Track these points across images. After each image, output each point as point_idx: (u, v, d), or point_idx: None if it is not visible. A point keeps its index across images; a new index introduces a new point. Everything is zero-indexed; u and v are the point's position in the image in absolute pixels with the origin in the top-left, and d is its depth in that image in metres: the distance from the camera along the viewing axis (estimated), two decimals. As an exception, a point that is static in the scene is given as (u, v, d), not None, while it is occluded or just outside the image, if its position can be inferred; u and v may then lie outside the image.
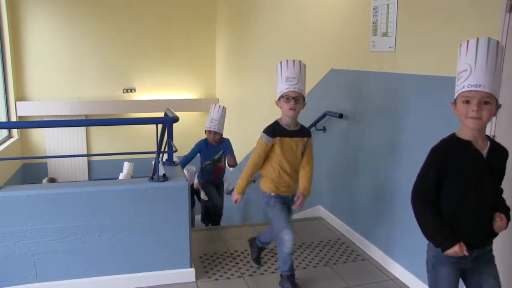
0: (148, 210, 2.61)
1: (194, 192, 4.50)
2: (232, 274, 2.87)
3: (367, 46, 3.08)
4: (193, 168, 4.48)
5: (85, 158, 7.46)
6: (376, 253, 3.08)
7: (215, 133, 3.87)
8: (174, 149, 2.86)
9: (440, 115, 2.40)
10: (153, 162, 2.66)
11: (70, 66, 7.16)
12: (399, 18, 2.75)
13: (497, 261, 1.78)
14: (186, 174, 3.57)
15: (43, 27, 6.97)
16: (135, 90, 7.54)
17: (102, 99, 7.34)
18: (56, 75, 7.13)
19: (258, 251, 2.98)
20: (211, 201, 4.09)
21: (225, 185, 4.37)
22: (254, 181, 3.05)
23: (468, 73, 1.59)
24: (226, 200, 4.27)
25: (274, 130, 2.53)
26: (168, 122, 2.98)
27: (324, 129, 3.79)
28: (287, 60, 2.48)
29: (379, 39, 2.94)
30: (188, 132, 5.88)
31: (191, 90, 7.83)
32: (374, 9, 2.99)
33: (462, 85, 1.62)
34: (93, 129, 7.45)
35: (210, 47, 7.77)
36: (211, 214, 4.22)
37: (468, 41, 1.62)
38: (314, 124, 3.75)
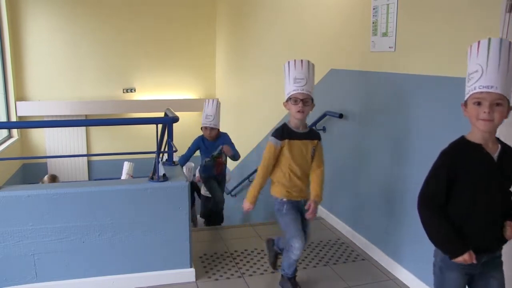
0: (148, 210, 2.61)
1: (194, 188, 4.49)
2: (232, 274, 2.87)
3: (367, 46, 3.08)
4: (191, 164, 4.44)
5: (85, 158, 7.48)
6: (376, 253, 3.08)
7: (212, 129, 3.79)
8: (174, 149, 2.86)
9: (440, 115, 2.41)
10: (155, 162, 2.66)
11: (70, 66, 7.17)
12: (399, 18, 2.75)
13: (504, 266, 1.74)
14: (184, 170, 3.55)
15: (43, 27, 6.97)
16: (135, 90, 7.54)
17: (102, 99, 7.35)
18: (56, 75, 7.14)
19: (275, 256, 2.88)
20: (213, 197, 4.07)
21: (227, 178, 4.35)
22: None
23: (479, 74, 1.54)
24: (227, 199, 4.26)
25: (283, 133, 2.43)
26: (168, 122, 2.98)
27: (324, 129, 3.79)
28: (295, 60, 2.38)
29: (379, 39, 2.94)
30: (188, 132, 5.84)
31: (191, 90, 7.84)
32: (374, 9, 2.99)
33: (473, 86, 1.56)
34: (93, 129, 7.46)
35: (210, 47, 7.77)
36: (210, 214, 4.22)
37: (479, 42, 1.57)
38: (314, 124, 3.75)
